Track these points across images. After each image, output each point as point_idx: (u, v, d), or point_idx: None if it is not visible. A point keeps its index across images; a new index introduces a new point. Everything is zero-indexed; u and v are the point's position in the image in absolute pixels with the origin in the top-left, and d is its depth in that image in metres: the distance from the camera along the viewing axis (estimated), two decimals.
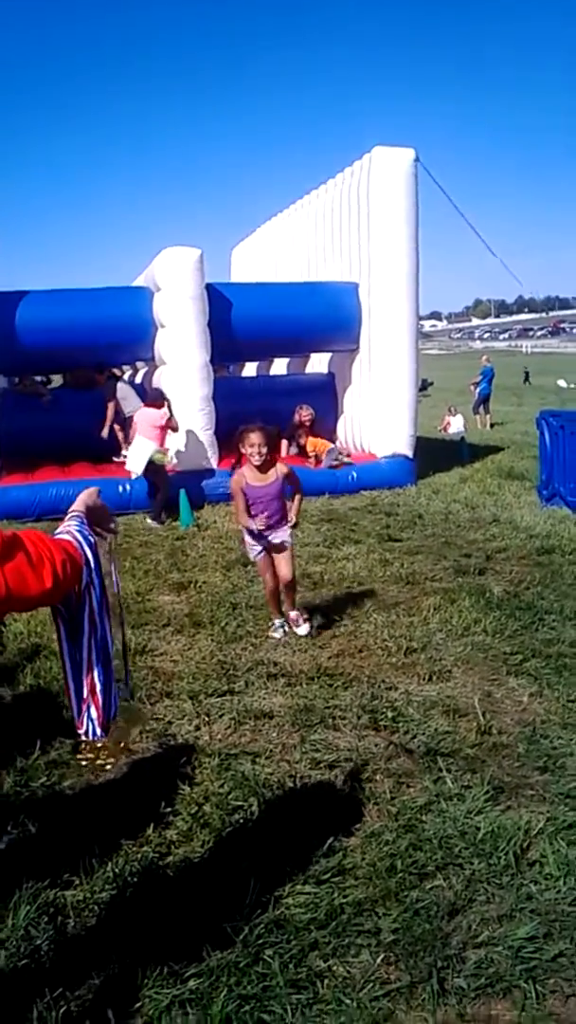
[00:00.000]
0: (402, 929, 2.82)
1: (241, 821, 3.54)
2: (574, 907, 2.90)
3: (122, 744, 2.71)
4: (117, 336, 11.53)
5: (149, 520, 10.04)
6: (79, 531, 2.25)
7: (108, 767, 2.74)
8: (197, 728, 4.45)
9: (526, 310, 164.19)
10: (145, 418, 10.09)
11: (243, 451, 5.57)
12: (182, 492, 10.02)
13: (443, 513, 9.97)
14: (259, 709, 4.65)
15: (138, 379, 15.16)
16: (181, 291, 10.93)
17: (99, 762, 2.68)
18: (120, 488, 10.51)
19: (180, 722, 4.53)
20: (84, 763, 2.69)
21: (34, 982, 2.62)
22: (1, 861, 3.25)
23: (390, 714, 4.51)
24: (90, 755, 2.65)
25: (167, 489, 10.22)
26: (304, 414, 12.18)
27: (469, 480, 12.23)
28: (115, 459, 11.63)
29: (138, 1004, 2.53)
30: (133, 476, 10.09)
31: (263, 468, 5.59)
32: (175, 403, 10.88)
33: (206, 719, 4.56)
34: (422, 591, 6.82)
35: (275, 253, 15.64)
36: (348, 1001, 2.52)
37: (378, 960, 2.68)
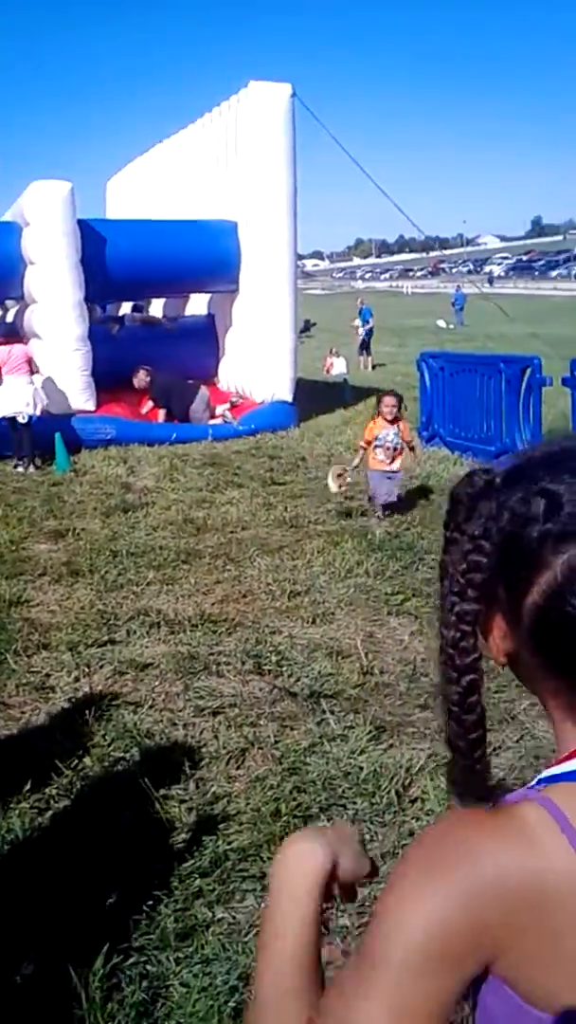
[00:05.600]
0: None
1: (123, 772, 3.47)
2: None
3: None
4: None
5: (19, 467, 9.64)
6: None
7: None
8: (76, 680, 4.34)
9: (407, 250, 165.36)
10: (23, 353, 9.69)
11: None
12: (58, 436, 9.67)
13: (326, 456, 9.99)
14: (141, 658, 4.56)
15: (9, 318, 14.51)
16: (51, 227, 10.43)
17: None
18: None
19: (59, 674, 4.41)
20: None
21: None
22: None
23: (274, 658, 4.50)
24: None
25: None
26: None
27: (351, 422, 12.28)
28: None
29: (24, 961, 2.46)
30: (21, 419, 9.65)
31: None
32: (49, 342, 10.46)
33: (86, 670, 4.44)
34: (306, 534, 6.83)
35: (151, 187, 15.12)
36: (233, 947, 2.51)
37: (263, 904, 2.68)
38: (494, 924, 0.68)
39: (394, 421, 7.24)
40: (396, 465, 7.27)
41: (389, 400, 7.29)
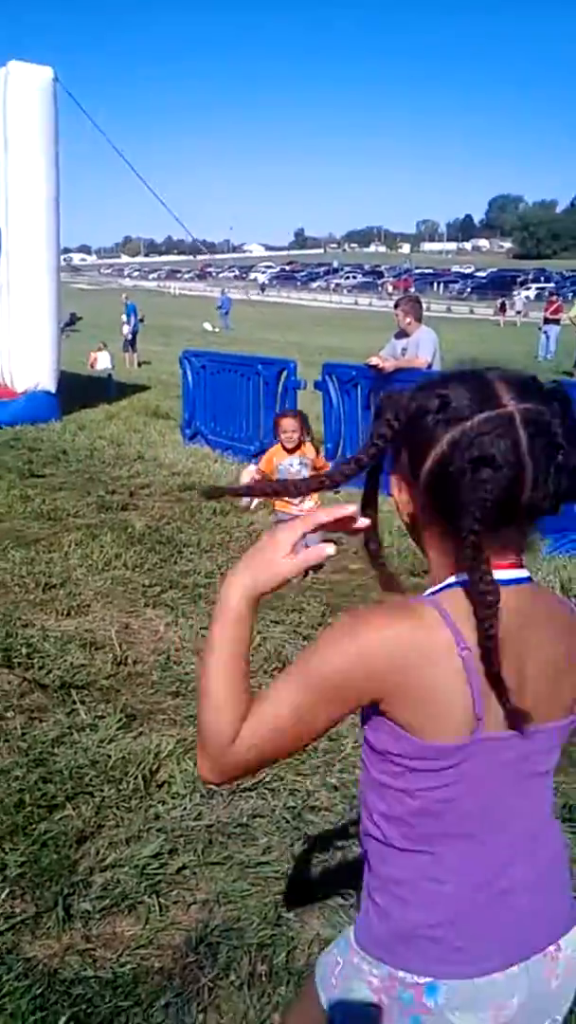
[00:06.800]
0: (29, 862, 2.78)
1: None
2: (198, 821, 3.05)
3: None
4: None
5: None
6: None
7: None
8: None
9: (175, 251, 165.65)
10: None
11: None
12: None
13: (88, 449, 9.84)
14: None
15: None
16: None
17: None
18: None
19: None
20: None
21: None
22: None
23: (24, 651, 4.39)
24: None
25: None
26: None
27: (115, 417, 12.17)
28: None
29: None
30: None
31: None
32: None
33: None
34: (64, 527, 6.70)
35: None
36: None
37: (2, 895, 2.63)
38: (381, 673, 1.07)
39: (296, 448, 5.74)
40: (309, 503, 5.22)
41: (287, 423, 5.70)
